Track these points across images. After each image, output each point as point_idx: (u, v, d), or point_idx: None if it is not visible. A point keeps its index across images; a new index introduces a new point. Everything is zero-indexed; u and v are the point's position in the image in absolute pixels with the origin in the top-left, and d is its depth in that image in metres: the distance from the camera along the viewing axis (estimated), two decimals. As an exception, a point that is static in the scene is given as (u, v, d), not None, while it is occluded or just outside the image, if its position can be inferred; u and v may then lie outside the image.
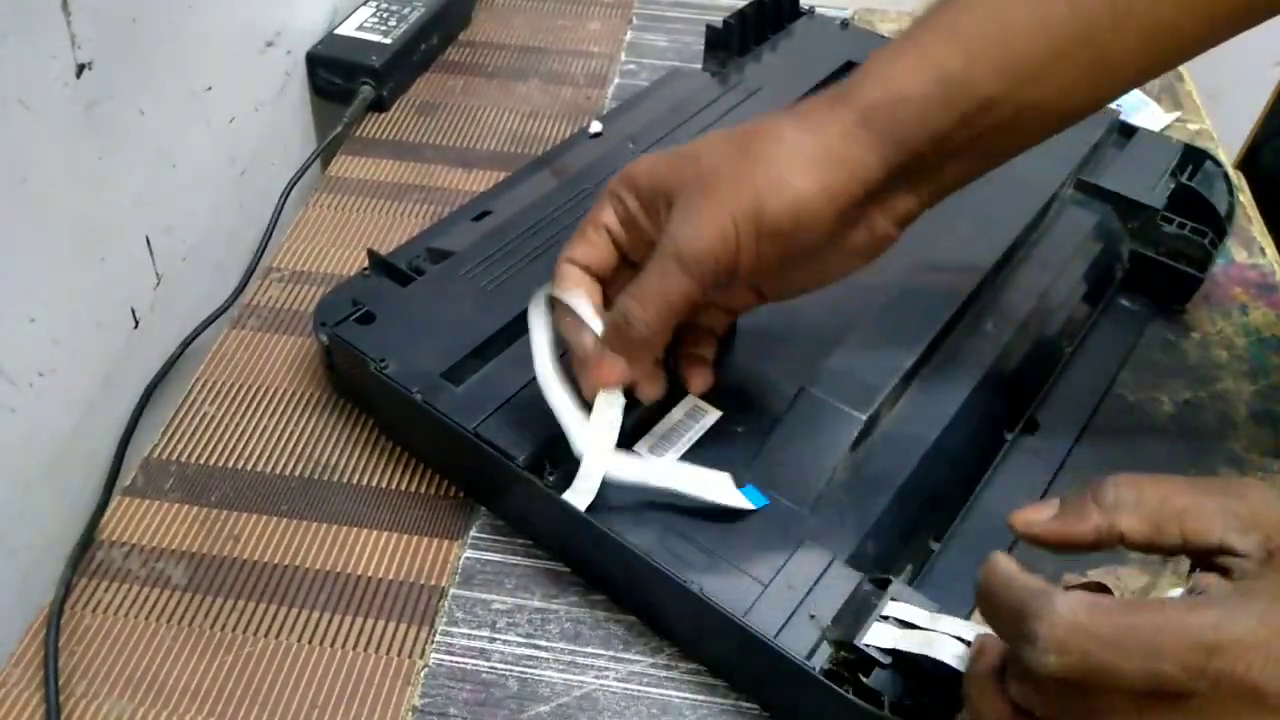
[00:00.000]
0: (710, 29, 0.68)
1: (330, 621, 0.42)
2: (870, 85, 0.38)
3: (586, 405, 0.41)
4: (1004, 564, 0.30)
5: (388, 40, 0.72)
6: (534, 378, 0.44)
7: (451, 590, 0.44)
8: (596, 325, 0.40)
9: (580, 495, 0.41)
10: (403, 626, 0.42)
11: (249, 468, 0.48)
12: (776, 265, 0.39)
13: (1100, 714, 0.28)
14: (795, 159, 0.37)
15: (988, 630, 0.32)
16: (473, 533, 0.46)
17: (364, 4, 0.76)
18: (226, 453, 0.49)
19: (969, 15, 0.37)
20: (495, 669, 0.41)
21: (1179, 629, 0.27)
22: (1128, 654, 0.27)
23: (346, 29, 0.73)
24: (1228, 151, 0.73)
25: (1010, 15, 0.37)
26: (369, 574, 0.44)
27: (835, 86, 0.39)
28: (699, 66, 0.70)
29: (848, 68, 0.67)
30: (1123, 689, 0.27)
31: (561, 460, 0.42)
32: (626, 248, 0.41)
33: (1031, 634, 0.28)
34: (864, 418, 0.43)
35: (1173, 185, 0.56)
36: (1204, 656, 0.26)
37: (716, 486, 0.41)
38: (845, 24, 0.72)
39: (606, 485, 0.40)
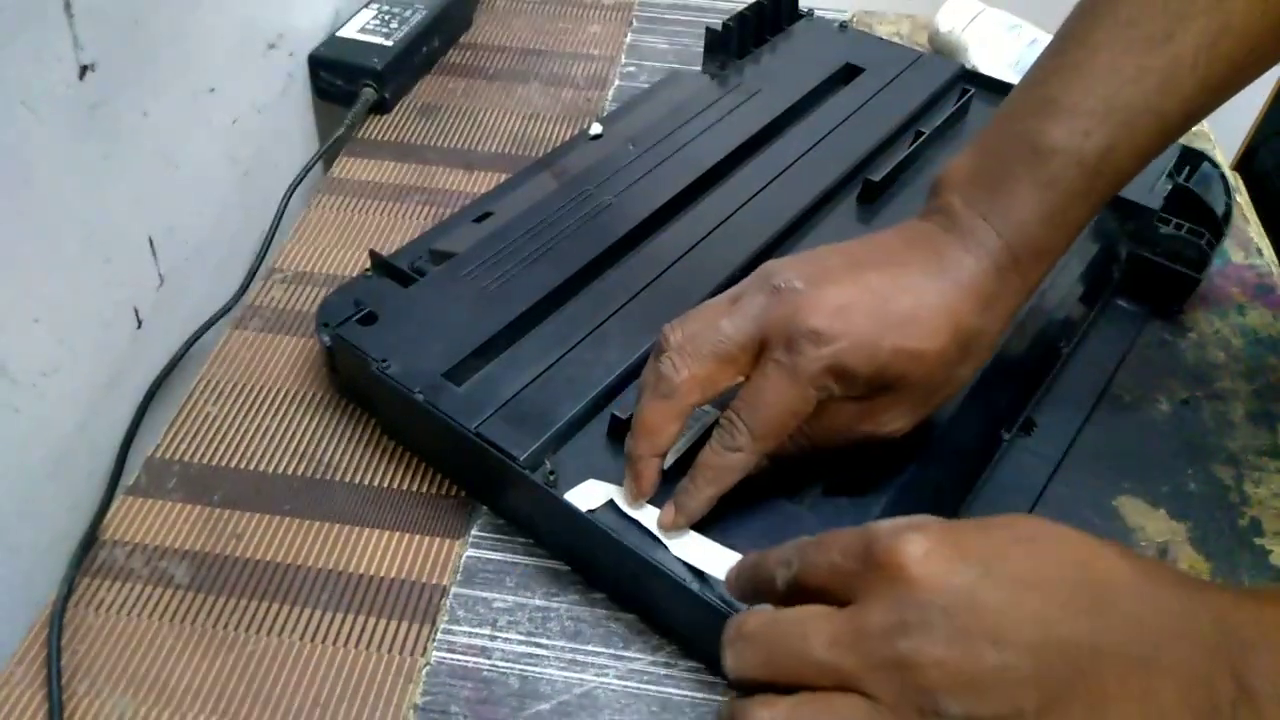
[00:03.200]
0: (710, 31, 0.68)
1: (332, 620, 0.43)
2: (1037, 261, 0.40)
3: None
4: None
5: (389, 42, 0.72)
6: (534, 378, 0.45)
7: (453, 589, 0.44)
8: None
9: (581, 495, 0.41)
10: (404, 625, 0.43)
11: (251, 467, 0.48)
12: None
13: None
14: (992, 347, 0.41)
15: None
16: (474, 532, 0.46)
17: (365, 6, 0.76)
18: (229, 452, 0.49)
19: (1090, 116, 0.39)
20: (496, 667, 0.41)
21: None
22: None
23: (348, 31, 0.73)
24: (1225, 153, 0.73)
25: (1109, 86, 0.38)
26: (371, 573, 0.44)
27: (1002, 239, 0.39)
28: (699, 69, 0.71)
29: (847, 70, 0.67)
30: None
31: (562, 460, 0.42)
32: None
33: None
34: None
35: (1170, 186, 0.56)
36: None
37: (721, 562, 0.39)
38: (844, 26, 0.72)
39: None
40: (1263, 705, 0.27)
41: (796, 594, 0.32)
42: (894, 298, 0.38)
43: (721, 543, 0.40)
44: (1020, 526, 0.31)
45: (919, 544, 0.29)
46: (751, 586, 0.35)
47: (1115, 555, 0.30)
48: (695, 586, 0.38)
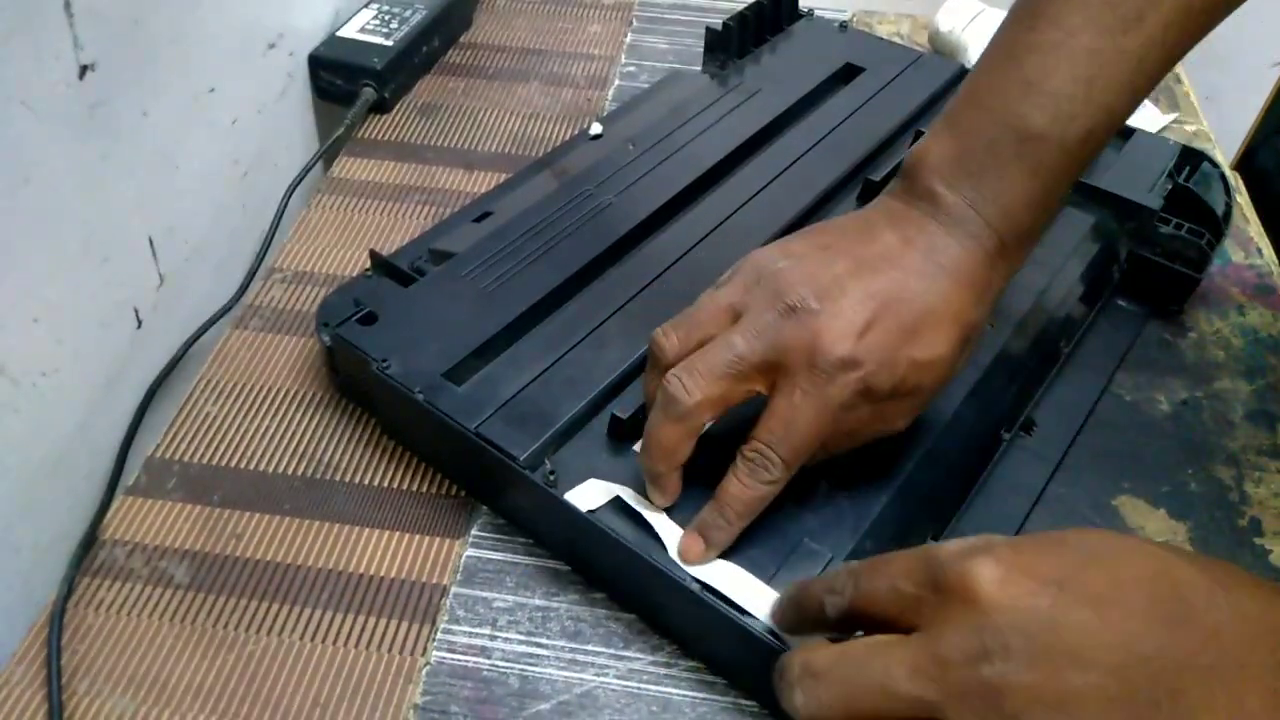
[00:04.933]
0: (710, 31, 0.68)
1: (332, 620, 0.43)
2: (1021, 247, 0.40)
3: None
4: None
5: (389, 42, 0.72)
6: (534, 378, 0.45)
7: (453, 588, 0.44)
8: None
9: (581, 495, 0.41)
10: (404, 624, 0.43)
11: (251, 467, 0.48)
12: None
13: None
14: (979, 342, 0.41)
15: None
16: (474, 531, 0.46)
17: (365, 6, 0.76)
18: (229, 452, 0.49)
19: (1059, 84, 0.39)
20: (496, 667, 0.41)
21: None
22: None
23: (348, 31, 0.73)
24: (1225, 152, 0.73)
25: (1089, 69, 0.38)
26: (371, 572, 0.44)
27: (991, 227, 0.39)
28: (699, 68, 0.71)
29: (847, 69, 0.67)
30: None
31: (562, 460, 0.42)
32: None
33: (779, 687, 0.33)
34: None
35: (1170, 186, 0.56)
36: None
37: (754, 596, 0.39)
38: (844, 26, 0.72)
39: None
40: None
41: (851, 623, 0.32)
42: (903, 309, 0.38)
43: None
44: (1090, 541, 0.31)
45: (992, 568, 0.29)
46: (797, 616, 0.35)
47: (1188, 564, 0.30)
48: (695, 587, 0.38)
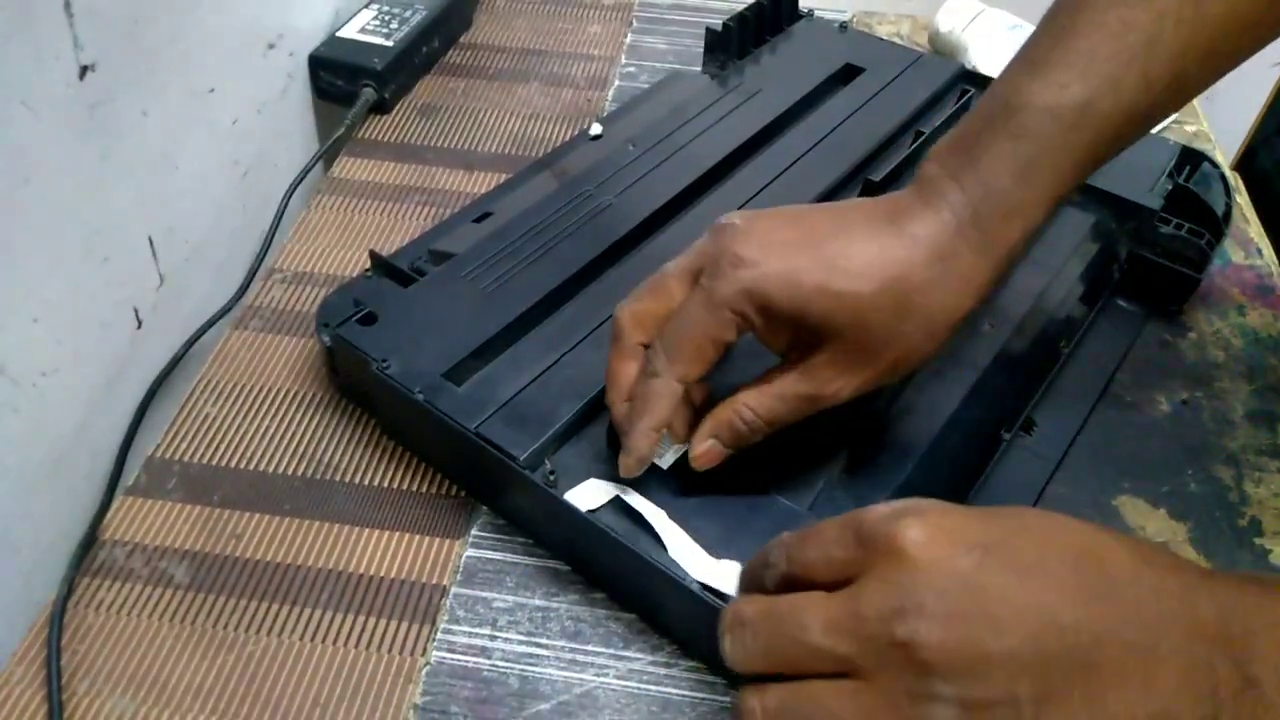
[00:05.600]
0: (710, 32, 0.68)
1: (332, 620, 0.43)
2: (1007, 221, 0.38)
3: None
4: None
5: (389, 43, 0.72)
6: (534, 378, 0.45)
7: (453, 589, 0.44)
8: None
9: (581, 495, 0.41)
10: (404, 625, 0.43)
11: (251, 467, 0.48)
12: None
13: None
14: (951, 315, 0.38)
15: None
16: (474, 531, 0.46)
17: (365, 7, 0.76)
18: (229, 452, 0.49)
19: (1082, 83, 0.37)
20: (496, 667, 0.41)
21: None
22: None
23: (348, 31, 0.73)
24: (1225, 153, 0.73)
25: (1090, 41, 0.37)
26: (371, 572, 0.44)
27: (967, 196, 0.38)
28: (699, 69, 0.71)
29: (847, 70, 0.67)
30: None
31: (562, 460, 0.42)
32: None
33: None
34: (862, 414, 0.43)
35: (1170, 186, 0.56)
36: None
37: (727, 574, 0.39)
38: (844, 26, 0.72)
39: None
40: (1266, 693, 0.27)
41: (789, 590, 0.32)
42: (829, 240, 0.37)
43: (722, 544, 0.40)
44: (1020, 514, 0.31)
45: (919, 528, 0.29)
46: (746, 591, 0.36)
47: (1116, 542, 0.30)
48: (695, 586, 0.38)
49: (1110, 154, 0.39)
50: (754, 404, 0.39)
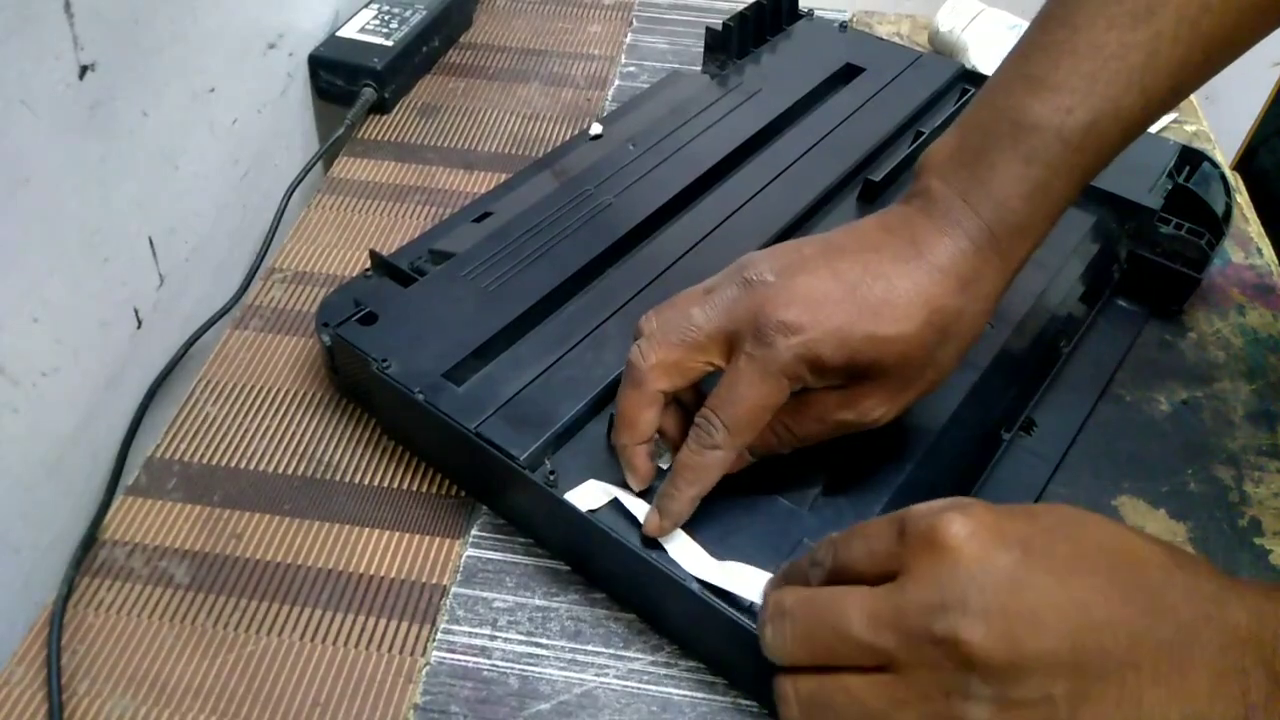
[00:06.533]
0: (710, 31, 0.68)
1: (332, 619, 0.43)
2: (1019, 240, 0.39)
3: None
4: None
5: (389, 42, 0.72)
6: (534, 378, 0.45)
7: (453, 588, 0.44)
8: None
9: (581, 495, 0.41)
10: (404, 624, 0.43)
11: (251, 467, 0.48)
12: None
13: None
14: (975, 332, 0.40)
15: None
16: (474, 531, 0.46)
17: (365, 6, 0.76)
18: (229, 452, 0.49)
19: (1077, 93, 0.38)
20: (496, 667, 0.41)
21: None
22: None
23: (348, 31, 0.73)
24: (1225, 152, 0.73)
25: (1092, 63, 0.38)
26: (371, 572, 0.44)
27: (981, 217, 0.38)
28: (698, 69, 0.71)
29: (847, 70, 0.67)
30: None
31: (562, 460, 0.42)
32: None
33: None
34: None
35: (1170, 186, 0.56)
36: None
37: (755, 588, 0.38)
38: (844, 26, 0.72)
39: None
40: None
41: (833, 585, 0.32)
42: (865, 284, 0.38)
43: (722, 544, 0.40)
44: (1062, 513, 0.31)
45: (962, 524, 0.30)
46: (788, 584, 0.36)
47: (1149, 544, 0.30)
48: (695, 586, 0.38)
49: (1111, 160, 0.40)
50: (792, 425, 0.40)
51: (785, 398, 0.38)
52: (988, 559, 0.29)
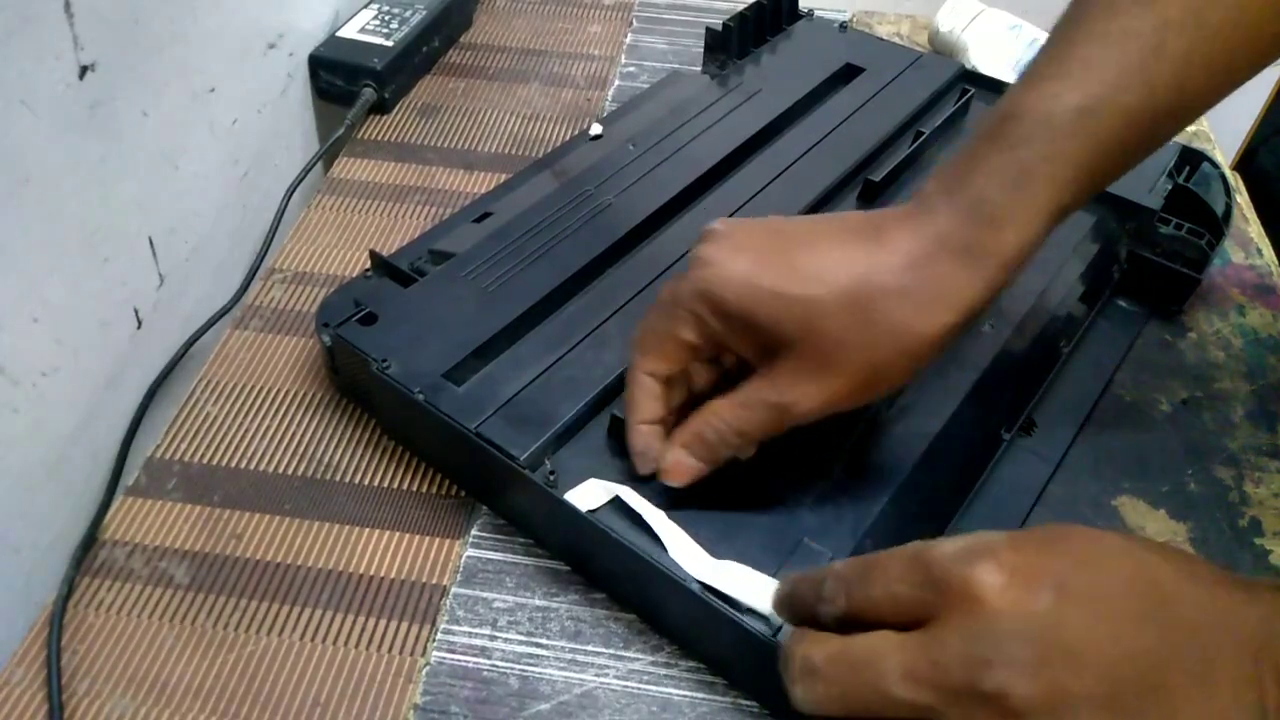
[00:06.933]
0: (710, 31, 0.68)
1: (332, 620, 0.43)
2: (996, 231, 0.36)
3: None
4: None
5: (389, 43, 0.72)
6: (534, 378, 0.45)
7: (453, 589, 0.44)
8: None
9: (581, 495, 0.41)
10: (404, 625, 0.43)
11: (251, 467, 0.48)
12: None
13: None
14: (925, 327, 0.36)
15: None
16: (474, 532, 0.46)
17: (365, 6, 0.76)
18: (229, 452, 0.49)
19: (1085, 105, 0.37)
20: (496, 667, 0.41)
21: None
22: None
23: (348, 31, 0.73)
24: (1225, 152, 0.73)
25: (1088, 49, 0.37)
26: (371, 573, 0.44)
27: (956, 207, 0.37)
28: (698, 69, 0.71)
29: (847, 70, 0.67)
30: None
31: (562, 460, 0.42)
32: (703, 352, 0.40)
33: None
34: (862, 417, 0.43)
35: (1170, 186, 0.56)
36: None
37: (756, 590, 0.38)
38: (844, 26, 0.72)
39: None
40: None
41: (848, 628, 0.32)
42: (798, 247, 0.37)
43: (722, 544, 0.40)
44: (1079, 538, 0.30)
45: (995, 573, 0.29)
46: (792, 616, 0.35)
47: (1162, 559, 0.30)
48: (695, 586, 0.38)
49: (1120, 164, 0.38)
50: (721, 412, 0.39)
51: (688, 333, 0.38)
52: (1025, 607, 0.28)
